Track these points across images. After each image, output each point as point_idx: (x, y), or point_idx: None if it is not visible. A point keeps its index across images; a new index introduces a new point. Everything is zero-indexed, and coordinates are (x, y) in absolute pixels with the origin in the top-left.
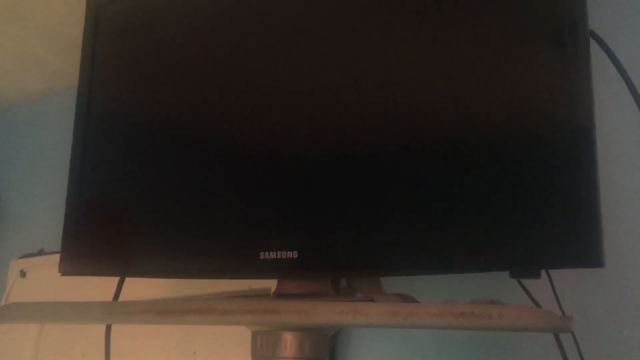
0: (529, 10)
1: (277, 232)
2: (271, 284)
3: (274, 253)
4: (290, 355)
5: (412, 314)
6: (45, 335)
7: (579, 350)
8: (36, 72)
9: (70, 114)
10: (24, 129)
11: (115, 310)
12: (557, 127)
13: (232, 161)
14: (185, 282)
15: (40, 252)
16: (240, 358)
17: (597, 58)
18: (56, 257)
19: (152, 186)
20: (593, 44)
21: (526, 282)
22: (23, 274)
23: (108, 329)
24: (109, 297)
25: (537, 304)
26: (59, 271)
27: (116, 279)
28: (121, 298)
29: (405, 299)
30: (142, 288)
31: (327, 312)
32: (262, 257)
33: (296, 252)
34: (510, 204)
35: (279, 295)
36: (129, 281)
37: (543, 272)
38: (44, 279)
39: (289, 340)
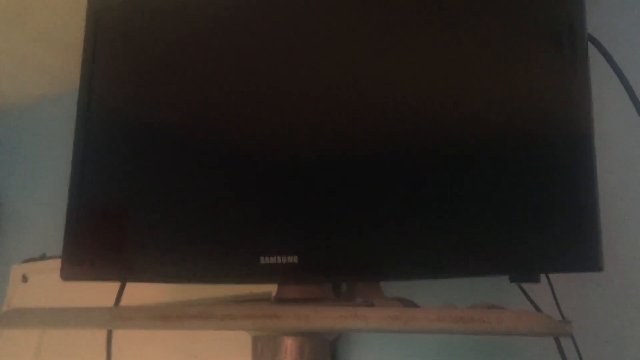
0: (528, 14)
1: (277, 236)
2: (272, 288)
3: (274, 258)
4: None
5: (411, 319)
6: (47, 340)
7: (578, 353)
8: (37, 76)
9: (72, 118)
10: (26, 132)
11: (115, 316)
12: (556, 131)
13: (232, 166)
14: (187, 287)
15: (42, 257)
16: None
17: (596, 62)
18: (58, 262)
19: (153, 191)
20: (591, 48)
21: (526, 285)
22: (25, 278)
23: (109, 333)
24: (110, 300)
25: (537, 308)
26: (61, 276)
27: (117, 283)
28: (123, 302)
29: (406, 303)
30: (143, 293)
31: (327, 317)
32: (262, 261)
33: (296, 256)
34: (509, 208)
35: (279, 299)
36: (131, 285)
37: (543, 275)
38: (46, 283)
39: (289, 345)
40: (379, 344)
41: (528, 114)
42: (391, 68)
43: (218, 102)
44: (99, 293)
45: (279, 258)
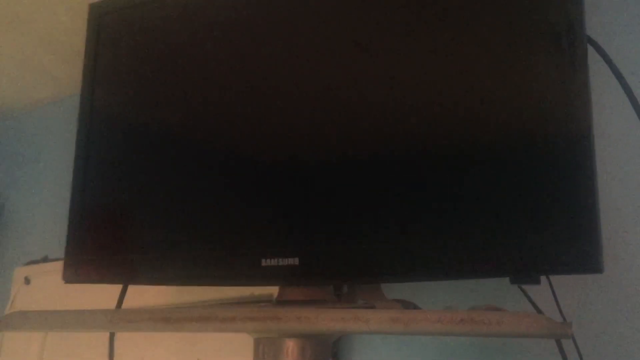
0: (527, 15)
1: (278, 238)
2: (274, 290)
3: (276, 260)
4: None
5: (412, 321)
6: (50, 342)
7: (579, 354)
8: (39, 80)
9: (74, 121)
10: (28, 136)
11: (117, 319)
12: (555, 132)
13: (233, 168)
14: (189, 289)
15: (45, 259)
16: None
17: (595, 64)
18: (60, 264)
19: (154, 193)
20: (590, 50)
21: (527, 287)
22: (28, 280)
23: (112, 335)
24: (113, 302)
25: (538, 309)
26: (63, 279)
27: (119, 286)
28: (125, 304)
29: (407, 305)
30: (145, 295)
31: (328, 319)
32: (263, 264)
33: (297, 258)
34: (509, 209)
35: (280, 301)
36: (133, 287)
37: (543, 277)
38: (49, 285)
39: (290, 346)
40: (380, 346)
41: (527, 115)
42: (390, 69)
43: (218, 104)
44: (101, 294)
45: (280, 260)
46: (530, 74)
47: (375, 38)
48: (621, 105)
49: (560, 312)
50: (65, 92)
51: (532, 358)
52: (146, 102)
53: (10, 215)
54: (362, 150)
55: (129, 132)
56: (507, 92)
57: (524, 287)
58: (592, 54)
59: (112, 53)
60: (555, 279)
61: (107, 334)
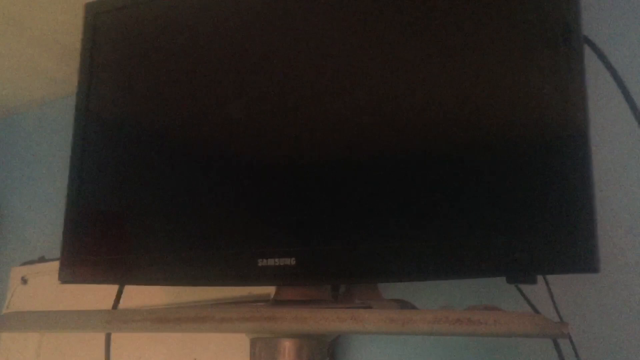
0: (524, 15)
1: (275, 239)
2: (271, 290)
3: (272, 260)
4: None
5: (409, 321)
6: (47, 342)
7: (576, 354)
8: (36, 80)
9: (70, 122)
10: (24, 136)
11: (113, 319)
12: (552, 132)
13: (229, 168)
14: (185, 289)
15: (41, 259)
16: None
17: (592, 64)
18: (57, 264)
19: (151, 194)
20: (587, 50)
21: (523, 286)
22: (24, 280)
23: (108, 336)
24: (109, 302)
25: (534, 309)
26: (59, 279)
27: (116, 286)
28: (121, 305)
29: (404, 304)
30: (141, 295)
31: (324, 319)
32: (260, 264)
33: (294, 258)
34: (506, 209)
35: (277, 301)
36: (130, 288)
37: (540, 277)
38: (45, 285)
39: (287, 347)
40: (378, 345)
41: (524, 115)
42: (388, 70)
43: (214, 104)
44: (98, 294)
45: (276, 260)
46: (527, 74)
47: (375, 38)
48: (618, 105)
49: (557, 311)
50: (62, 93)
51: (529, 358)
52: (142, 102)
53: (6, 215)
54: (358, 150)
55: (125, 132)
56: (504, 93)
57: (521, 286)
58: (589, 54)
59: (108, 53)
60: (552, 278)
61: (104, 335)
